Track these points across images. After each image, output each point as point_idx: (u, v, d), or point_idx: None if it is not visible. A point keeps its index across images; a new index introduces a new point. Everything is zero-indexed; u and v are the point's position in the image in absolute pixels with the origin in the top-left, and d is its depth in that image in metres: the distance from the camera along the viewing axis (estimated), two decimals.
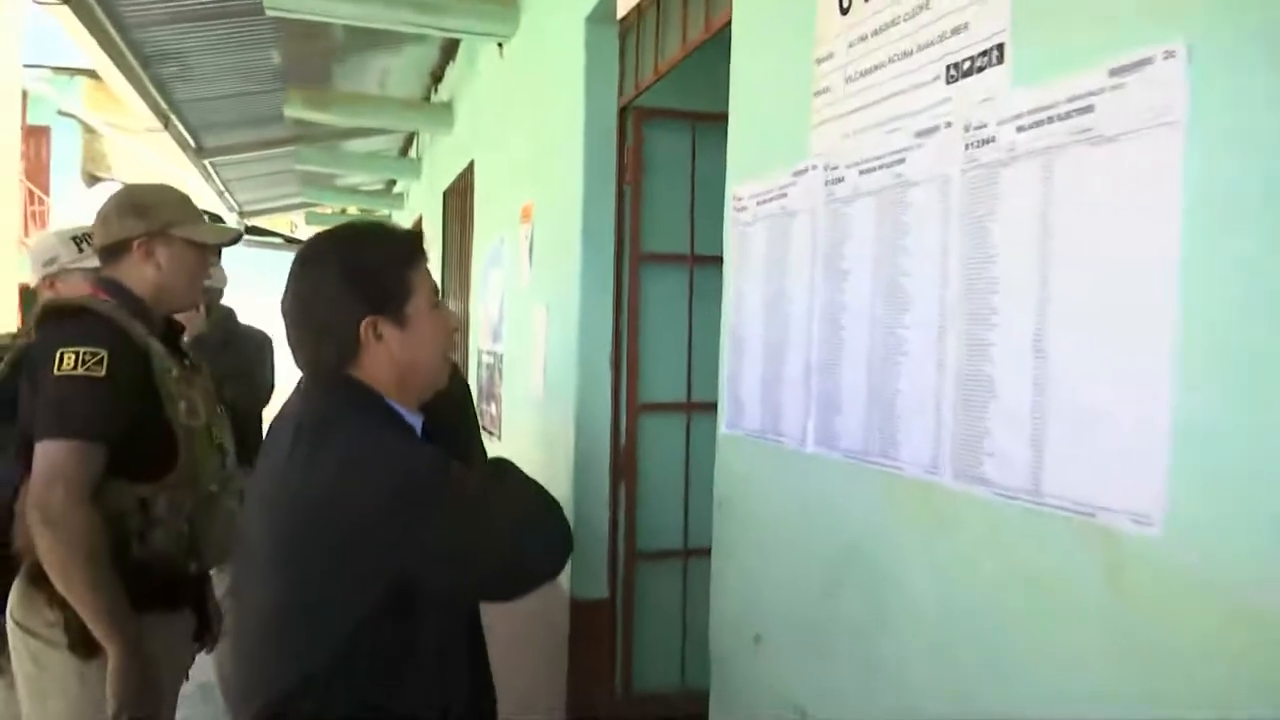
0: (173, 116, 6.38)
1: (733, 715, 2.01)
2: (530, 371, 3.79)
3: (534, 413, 3.76)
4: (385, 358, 1.39)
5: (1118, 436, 1.05)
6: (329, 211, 11.73)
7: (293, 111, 5.79)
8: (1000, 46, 1.24)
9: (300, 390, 1.47)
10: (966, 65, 1.30)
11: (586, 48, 3.12)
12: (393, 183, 9.83)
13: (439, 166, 6.77)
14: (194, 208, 2.09)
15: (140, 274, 1.98)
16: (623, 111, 3.10)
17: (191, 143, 7.10)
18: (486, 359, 4.72)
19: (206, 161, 7.77)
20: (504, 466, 1.59)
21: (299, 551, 1.32)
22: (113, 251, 1.98)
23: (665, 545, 3.29)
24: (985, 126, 1.26)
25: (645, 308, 3.19)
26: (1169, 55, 0.99)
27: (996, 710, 1.23)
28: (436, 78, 6.44)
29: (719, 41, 2.16)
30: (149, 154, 7.66)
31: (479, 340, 4.94)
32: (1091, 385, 1.09)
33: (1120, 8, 1.06)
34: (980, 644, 1.27)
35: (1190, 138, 0.97)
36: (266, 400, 3.55)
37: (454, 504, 1.32)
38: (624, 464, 3.22)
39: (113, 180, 17.57)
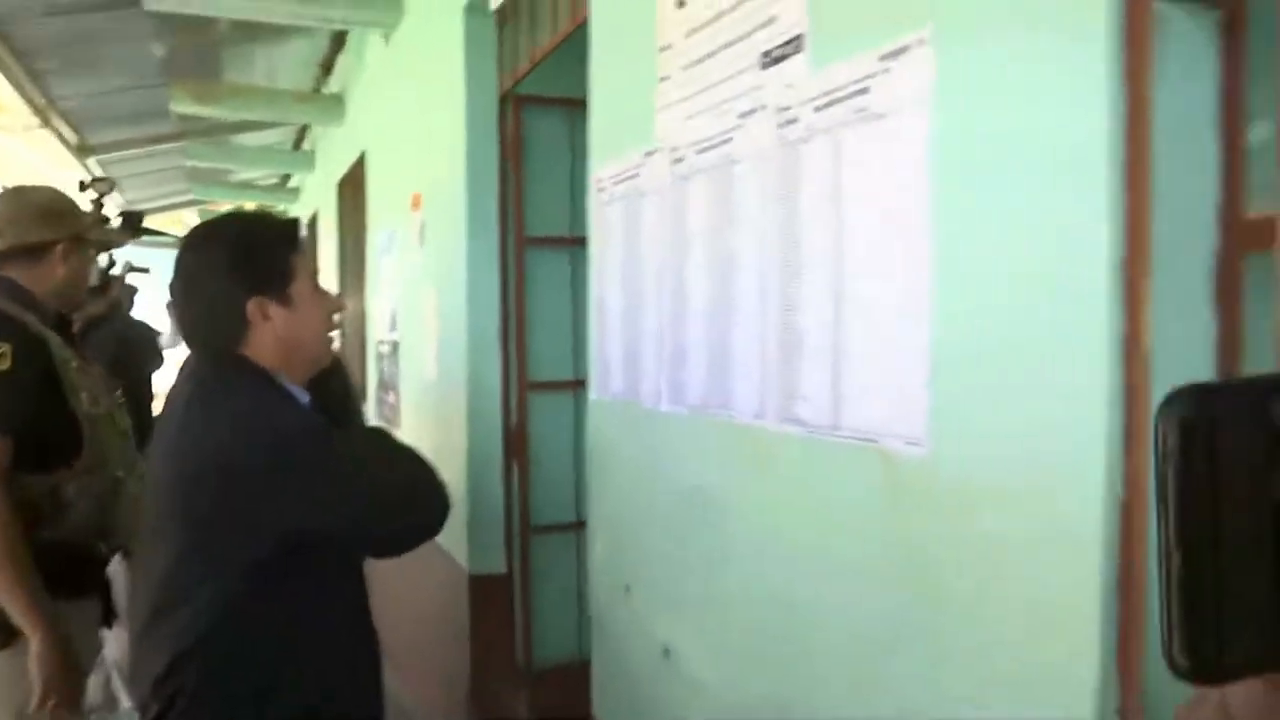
0: (51, 113, 6.21)
1: (610, 663, 2.15)
2: (424, 357, 3.87)
3: (429, 397, 3.85)
4: (271, 336, 1.50)
5: (892, 372, 1.22)
6: (224, 208, 11.49)
7: (180, 106, 5.71)
8: (800, 36, 1.40)
9: (188, 371, 1.55)
10: (776, 53, 1.46)
11: (465, 37, 3.22)
12: (287, 177, 9.70)
13: (332, 159, 6.75)
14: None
15: (50, 275, 2.07)
16: (503, 100, 3.21)
17: (73, 140, 6.91)
18: (384, 348, 4.77)
19: (90, 160, 7.56)
20: (382, 433, 1.71)
21: (191, 510, 1.41)
22: (28, 253, 2.04)
23: (558, 519, 3.41)
24: (790, 108, 1.42)
25: (531, 289, 3.30)
26: (921, 42, 1.16)
27: (820, 624, 1.40)
28: (326, 69, 6.41)
29: (588, 32, 2.29)
30: (26, 152, 7.40)
31: (376, 330, 4.98)
32: (872, 329, 1.26)
33: (888, 2, 1.23)
34: (798, 567, 1.44)
35: (936, 106, 1.14)
36: (136, 389, 3.57)
37: (338, 462, 1.44)
38: (515, 441, 3.34)
39: None
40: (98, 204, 7.07)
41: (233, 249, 1.51)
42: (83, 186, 7.92)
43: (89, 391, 2.01)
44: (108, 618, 2.18)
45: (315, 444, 1.44)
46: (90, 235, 2.16)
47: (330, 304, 1.64)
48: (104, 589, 2.15)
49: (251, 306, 1.48)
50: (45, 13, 4.82)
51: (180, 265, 1.53)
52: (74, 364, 2.00)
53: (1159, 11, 0.94)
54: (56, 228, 2.08)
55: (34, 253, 2.05)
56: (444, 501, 1.54)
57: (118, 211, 4.60)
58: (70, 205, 2.17)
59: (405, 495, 1.51)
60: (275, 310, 1.50)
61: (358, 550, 1.63)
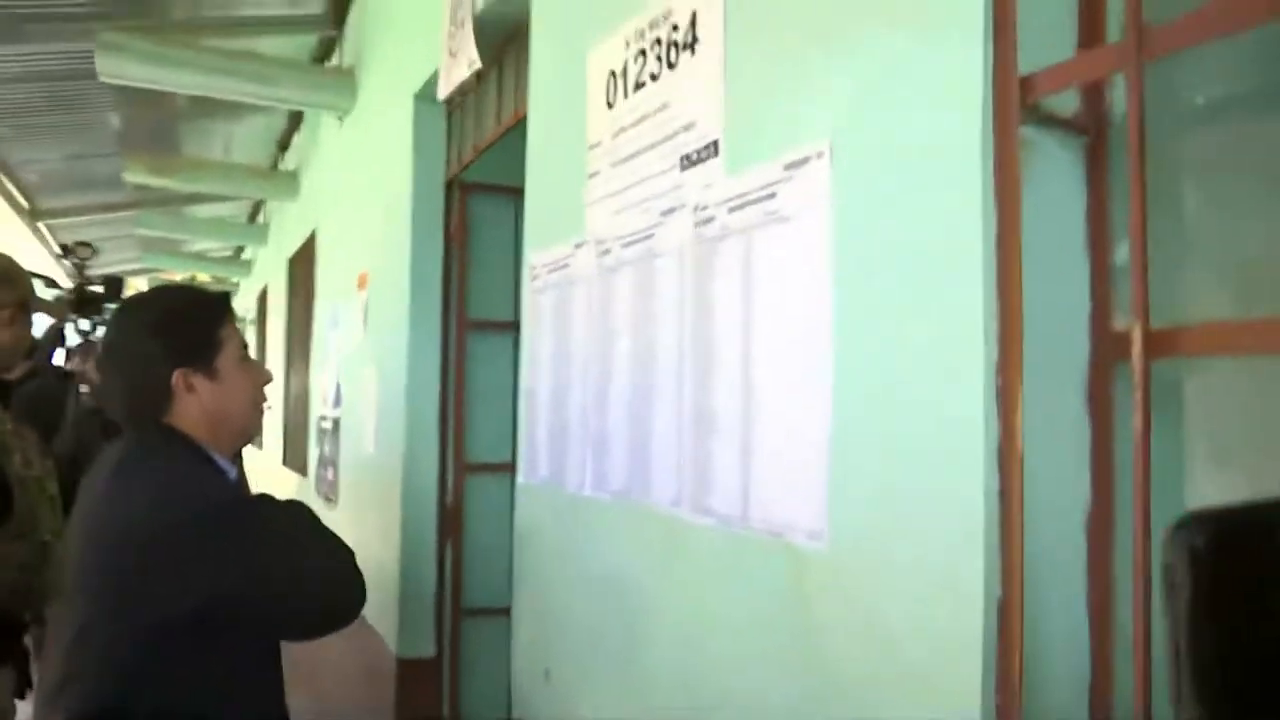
0: (3, 176, 6.19)
1: None
2: (364, 435, 3.85)
3: (366, 475, 3.82)
4: (197, 408, 1.50)
5: (795, 467, 1.26)
6: (177, 278, 11.41)
7: (133, 177, 5.73)
8: (716, 143, 1.47)
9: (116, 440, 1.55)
10: (694, 156, 1.53)
11: (415, 124, 3.30)
12: (241, 249, 9.69)
13: (285, 234, 6.77)
14: None
15: None
16: (449, 185, 3.28)
17: (25, 204, 6.88)
18: (325, 424, 4.73)
19: (41, 224, 7.52)
20: (304, 510, 1.68)
21: (107, 575, 1.39)
22: None
23: (492, 602, 3.37)
24: (707, 208, 1.48)
25: (472, 371, 3.32)
26: (820, 155, 1.23)
27: (730, 712, 1.40)
28: (283, 146, 6.49)
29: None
30: None
31: (318, 406, 4.95)
32: (778, 425, 1.30)
33: (792, 116, 1.30)
34: (710, 656, 1.45)
35: (833, 214, 1.21)
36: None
37: (264, 537, 1.43)
38: (450, 522, 3.31)
39: None
40: (79, 267, 6.99)
41: (158, 320, 1.53)
42: (65, 252, 7.83)
43: (21, 454, 1.99)
44: (22, 688, 2.12)
45: (242, 515, 1.43)
46: (34, 303, 2.15)
47: (258, 376, 1.65)
48: (21, 657, 2.09)
49: (176, 378, 1.49)
50: (11, 79, 4.84)
51: (107, 335, 1.54)
52: (8, 426, 1.98)
53: (1026, 136, 1.01)
54: (7, 292, 2.07)
55: None
56: (361, 587, 1.53)
57: (101, 277, 4.56)
58: (19, 272, 2.16)
59: (325, 578, 1.50)
60: (200, 382, 1.50)
61: (270, 630, 1.60)
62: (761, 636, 1.33)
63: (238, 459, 1.66)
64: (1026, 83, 1.00)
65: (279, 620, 1.53)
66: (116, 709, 1.36)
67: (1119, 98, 1.05)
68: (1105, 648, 1.06)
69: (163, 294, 1.70)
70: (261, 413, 1.68)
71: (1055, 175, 1.05)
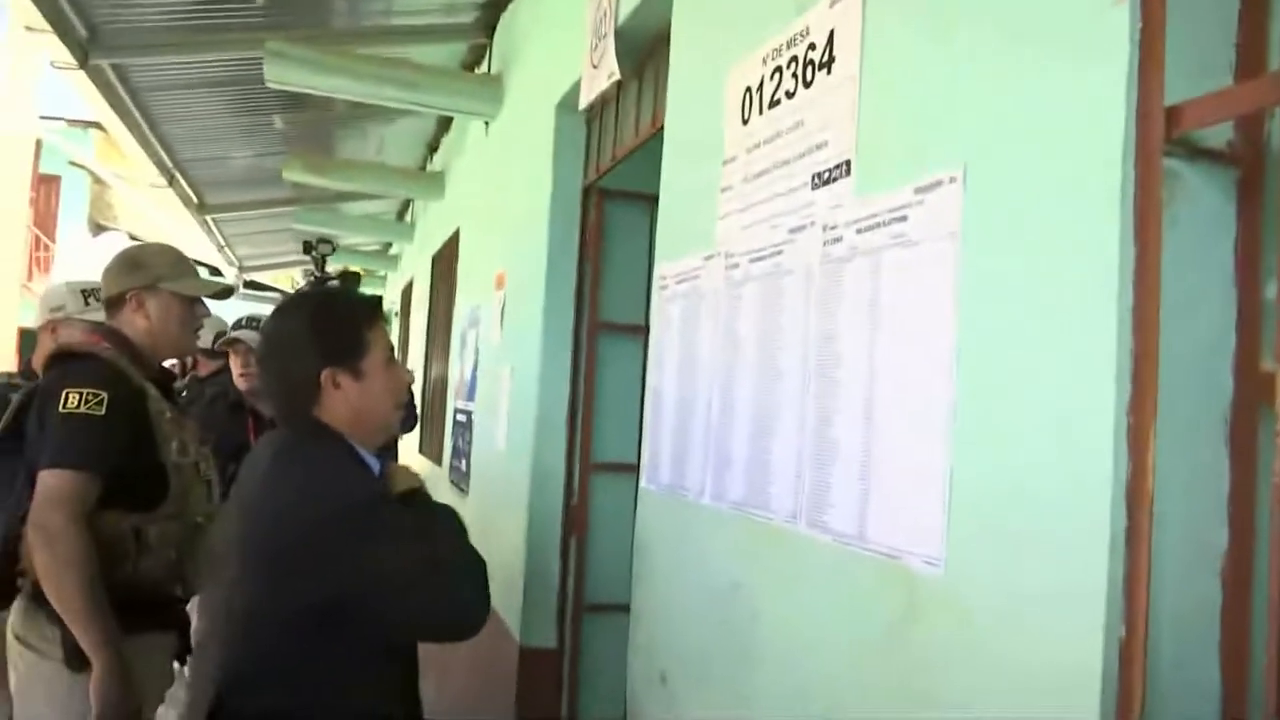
0: (177, 173, 6.67)
1: None
2: (495, 429, 3.99)
3: (496, 467, 3.95)
4: (343, 404, 1.61)
5: (914, 490, 1.25)
6: (329, 269, 12.02)
7: (291, 175, 6.08)
8: (848, 163, 1.47)
9: (271, 430, 1.68)
10: (826, 175, 1.53)
11: (556, 132, 3.39)
12: (389, 245, 10.13)
13: (430, 232, 7.05)
14: (187, 264, 2.32)
15: (134, 324, 2.22)
16: (586, 191, 3.36)
17: (194, 199, 7.39)
18: (459, 417, 4.92)
19: (208, 217, 8.06)
20: (452, 516, 1.73)
21: (254, 562, 1.51)
22: (112, 303, 2.22)
23: (613, 599, 3.43)
24: (836, 228, 1.49)
25: (601, 372, 3.40)
26: (952, 179, 1.22)
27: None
28: (432, 148, 6.76)
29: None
30: (153, 207, 7.95)
31: (453, 399, 5.15)
32: (898, 447, 1.30)
33: (926, 140, 1.30)
34: (820, 672, 1.45)
35: (963, 240, 1.20)
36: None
37: (394, 540, 1.51)
38: (576, 519, 3.40)
39: (117, 230, 17.95)
40: (319, 263, 7.38)
41: (311, 322, 1.64)
42: (308, 248, 8.37)
43: (179, 441, 2.15)
44: (183, 654, 2.29)
45: (379, 517, 1.51)
46: (165, 286, 2.26)
47: (400, 378, 1.74)
48: (183, 625, 2.27)
49: (324, 375, 1.60)
50: (179, 85, 5.23)
51: (265, 333, 1.68)
52: (167, 415, 2.15)
53: (1170, 168, 0.98)
54: (129, 278, 2.22)
55: (115, 303, 2.22)
56: (485, 602, 1.55)
57: (337, 272, 4.80)
58: (153, 257, 2.26)
59: (450, 589, 1.53)
60: (346, 380, 1.60)
61: (391, 630, 1.66)
62: (870, 655, 1.33)
63: (389, 450, 1.76)
64: (1173, 113, 0.97)
65: (399, 622, 1.58)
66: (250, 685, 1.47)
67: (1277, 129, 1.01)
68: (1238, 696, 1.02)
69: (317, 296, 1.82)
70: (402, 411, 1.77)
71: (1202, 208, 1.02)
